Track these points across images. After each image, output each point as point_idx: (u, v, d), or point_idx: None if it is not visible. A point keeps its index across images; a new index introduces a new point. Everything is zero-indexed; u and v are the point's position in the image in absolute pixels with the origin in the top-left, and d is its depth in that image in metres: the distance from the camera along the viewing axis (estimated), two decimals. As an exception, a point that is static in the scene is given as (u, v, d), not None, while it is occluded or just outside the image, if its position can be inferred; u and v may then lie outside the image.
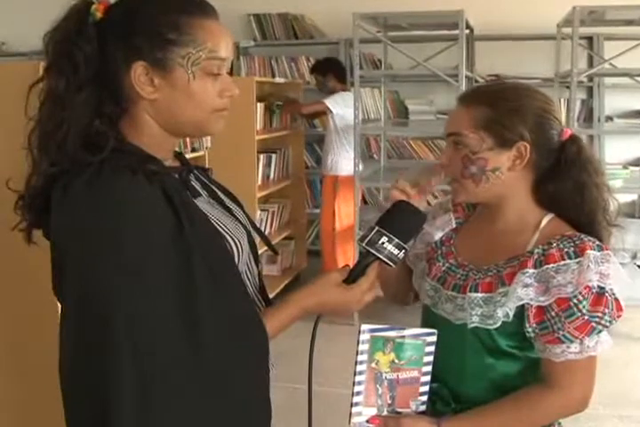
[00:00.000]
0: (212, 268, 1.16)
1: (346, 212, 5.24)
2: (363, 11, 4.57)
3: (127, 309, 1.08)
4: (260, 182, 4.83)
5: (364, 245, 1.30)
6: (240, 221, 1.35)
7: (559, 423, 1.47)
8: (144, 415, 1.08)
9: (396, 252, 1.29)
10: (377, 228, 1.31)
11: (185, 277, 1.12)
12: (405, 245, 1.31)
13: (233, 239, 1.27)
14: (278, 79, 5.80)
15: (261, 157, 4.96)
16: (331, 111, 5.15)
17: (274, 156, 5.30)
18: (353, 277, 1.31)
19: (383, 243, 1.29)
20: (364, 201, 6.09)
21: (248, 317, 1.22)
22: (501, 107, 1.37)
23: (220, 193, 1.38)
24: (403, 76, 6.14)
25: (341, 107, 5.15)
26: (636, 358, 4.17)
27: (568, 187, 1.40)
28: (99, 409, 1.09)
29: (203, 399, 1.13)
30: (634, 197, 5.95)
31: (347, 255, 5.25)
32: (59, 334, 1.18)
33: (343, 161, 5.23)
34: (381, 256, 1.29)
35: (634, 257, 5.09)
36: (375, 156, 6.43)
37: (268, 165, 5.20)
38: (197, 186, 1.34)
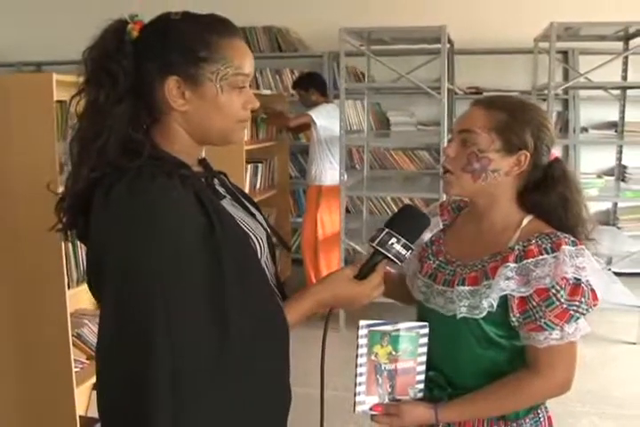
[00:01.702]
0: (239, 265, 1.25)
1: (329, 220, 5.33)
2: (346, 25, 4.64)
3: (165, 305, 1.16)
4: (247, 191, 4.91)
5: (374, 245, 1.42)
6: (259, 222, 1.46)
7: (544, 404, 1.60)
8: (178, 401, 1.16)
9: (403, 251, 1.41)
10: (386, 229, 1.42)
11: (216, 275, 1.20)
12: (412, 246, 1.43)
13: (256, 238, 1.37)
14: (264, 91, 5.89)
15: (249, 166, 5.05)
16: (315, 123, 5.23)
17: (260, 166, 5.39)
18: (363, 273, 1.42)
19: (392, 243, 1.41)
20: (347, 210, 6.20)
21: (272, 309, 1.31)
22: (518, 116, 1.50)
23: (240, 196, 1.48)
24: (385, 89, 6.25)
25: (325, 118, 5.24)
26: (612, 359, 4.33)
27: (553, 200, 1.53)
28: (135, 397, 1.16)
29: (229, 388, 1.22)
30: (608, 205, 6.11)
31: (330, 262, 5.32)
32: (98, 328, 1.26)
33: (327, 171, 5.32)
34: (390, 255, 1.41)
35: (608, 262, 5.22)
36: (357, 166, 6.55)
37: (254, 174, 5.29)
38: (221, 190, 1.44)
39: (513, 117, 1.50)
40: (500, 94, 1.72)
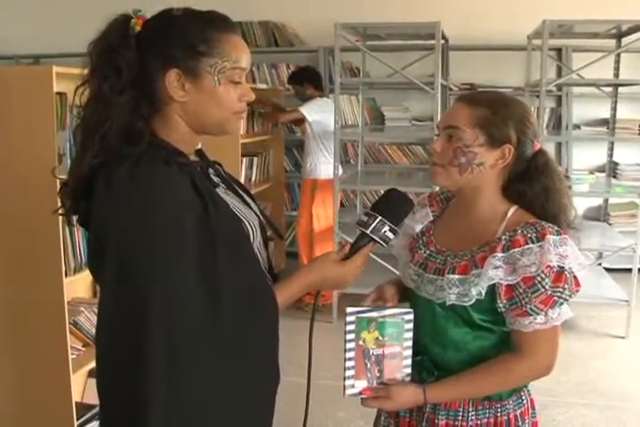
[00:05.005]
0: (232, 248, 1.31)
1: (323, 214, 5.38)
2: (342, 20, 4.67)
3: (162, 286, 1.22)
4: (242, 184, 4.96)
5: (361, 228, 1.48)
6: (252, 209, 1.52)
7: (526, 387, 1.66)
8: (171, 374, 1.22)
9: (388, 234, 1.48)
10: (372, 213, 1.49)
11: (209, 257, 1.27)
12: (397, 228, 1.50)
13: (249, 223, 1.44)
14: (261, 85, 5.93)
15: (244, 159, 5.10)
16: (306, 119, 5.29)
17: (255, 159, 5.45)
18: (349, 255, 1.50)
19: (378, 226, 1.47)
20: (341, 204, 6.26)
21: (262, 289, 1.39)
22: (500, 111, 1.56)
23: (234, 185, 1.54)
24: (380, 84, 6.29)
25: (317, 113, 5.28)
26: (600, 352, 4.37)
27: (536, 190, 1.59)
28: (132, 370, 1.22)
29: (221, 362, 1.28)
30: (599, 201, 6.16)
31: (325, 254, 5.35)
32: (98, 306, 1.31)
33: (322, 165, 5.36)
34: (376, 238, 1.48)
35: (599, 257, 5.28)
36: (352, 160, 6.60)
37: (249, 167, 5.35)
38: (216, 179, 1.50)
39: (495, 113, 1.56)
40: (484, 90, 1.77)
